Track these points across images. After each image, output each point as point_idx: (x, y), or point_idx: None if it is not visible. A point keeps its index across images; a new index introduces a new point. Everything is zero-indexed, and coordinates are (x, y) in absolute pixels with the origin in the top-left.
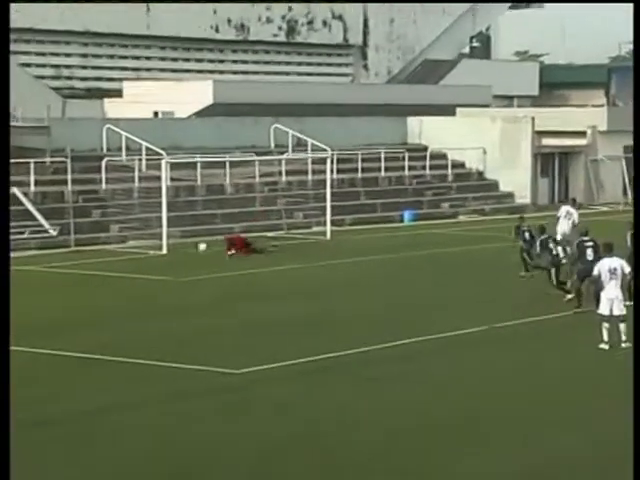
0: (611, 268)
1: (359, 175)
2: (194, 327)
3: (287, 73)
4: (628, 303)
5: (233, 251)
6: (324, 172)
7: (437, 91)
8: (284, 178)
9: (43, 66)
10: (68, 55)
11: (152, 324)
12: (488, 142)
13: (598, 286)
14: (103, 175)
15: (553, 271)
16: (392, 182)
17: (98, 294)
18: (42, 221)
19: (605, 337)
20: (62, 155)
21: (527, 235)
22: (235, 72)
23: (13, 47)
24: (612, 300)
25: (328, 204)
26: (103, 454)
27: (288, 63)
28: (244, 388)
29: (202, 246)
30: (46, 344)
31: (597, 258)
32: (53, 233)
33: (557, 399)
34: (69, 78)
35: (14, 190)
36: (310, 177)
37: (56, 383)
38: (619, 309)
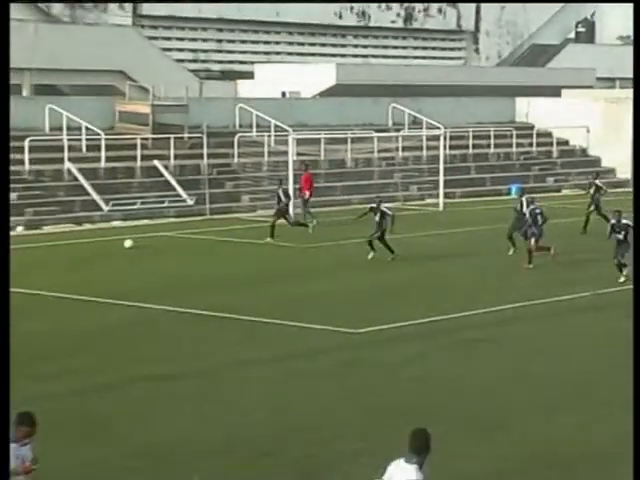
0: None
1: (470, 151)
2: (315, 290)
3: (404, 57)
4: None
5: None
6: (437, 148)
7: (544, 73)
8: (400, 154)
9: (182, 50)
10: (205, 40)
11: (277, 287)
12: (591, 121)
13: None
14: (235, 150)
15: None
16: (500, 158)
17: (228, 259)
18: (180, 191)
19: None
20: (199, 131)
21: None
22: (356, 56)
23: (155, 33)
24: None
25: (441, 178)
26: (230, 405)
27: (405, 47)
28: (362, 347)
29: (127, 243)
30: (176, 303)
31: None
32: (190, 202)
33: None
34: (205, 61)
35: (155, 163)
36: (424, 153)
37: (182, 338)
38: None
